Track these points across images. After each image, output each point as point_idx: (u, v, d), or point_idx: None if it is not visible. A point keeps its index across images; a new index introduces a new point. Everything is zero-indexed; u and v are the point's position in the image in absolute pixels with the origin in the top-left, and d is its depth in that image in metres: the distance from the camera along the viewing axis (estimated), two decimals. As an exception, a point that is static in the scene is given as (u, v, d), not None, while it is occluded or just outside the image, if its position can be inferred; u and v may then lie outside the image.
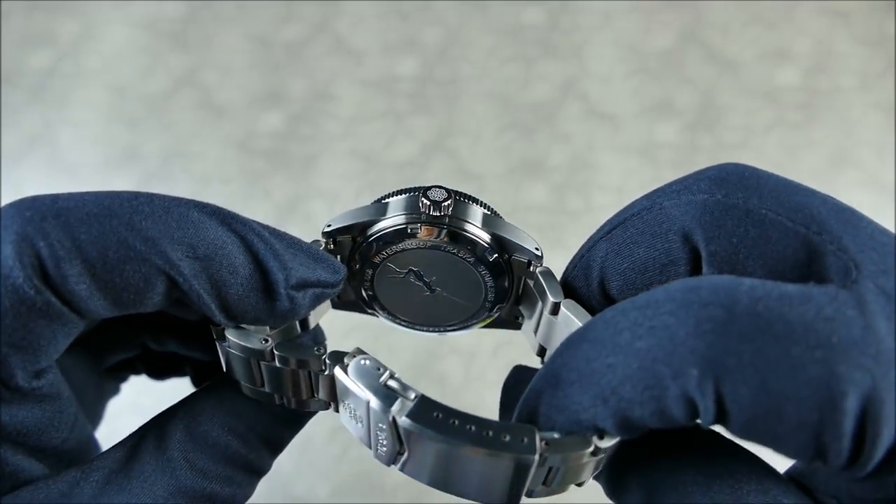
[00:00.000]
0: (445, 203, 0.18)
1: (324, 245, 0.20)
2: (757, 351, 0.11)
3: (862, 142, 0.83)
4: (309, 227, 0.77)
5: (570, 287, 0.18)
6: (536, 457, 0.14)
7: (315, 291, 0.17)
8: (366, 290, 0.20)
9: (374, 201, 0.20)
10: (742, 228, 0.14)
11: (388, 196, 0.20)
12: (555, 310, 0.18)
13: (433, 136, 0.83)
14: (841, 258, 0.13)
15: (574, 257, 0.18)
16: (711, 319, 0.12)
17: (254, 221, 0.16)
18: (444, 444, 0.14)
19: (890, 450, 0.12)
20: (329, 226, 0.20)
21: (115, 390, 0.21)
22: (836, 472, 0.13)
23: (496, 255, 0.19)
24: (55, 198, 0.13)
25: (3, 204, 0.13)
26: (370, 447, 0.16)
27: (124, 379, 0.21)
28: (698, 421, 0.13)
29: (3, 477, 0.14)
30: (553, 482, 0.15)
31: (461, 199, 0.19)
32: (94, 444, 0.18)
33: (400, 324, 0.22)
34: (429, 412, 0.14)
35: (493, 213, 0.20)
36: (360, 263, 0.20)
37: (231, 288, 0.15)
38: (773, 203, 0.14)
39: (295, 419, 0.19)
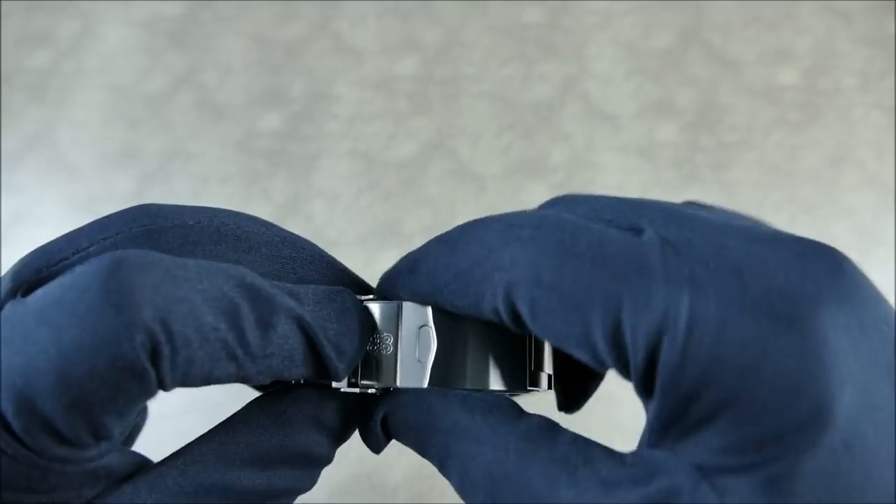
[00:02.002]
0: None
1: None
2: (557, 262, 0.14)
3: (862, 142, 0.83)
4: (309, 227, 0.77)
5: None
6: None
7: (354, 362, 0.18)
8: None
9: None
10: None
11: None
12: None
13: (433, 136, 0.83)
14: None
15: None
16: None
17: (309, 302, 0.17)
18: None
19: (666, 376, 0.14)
20: None
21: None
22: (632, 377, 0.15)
23: None
24: (164, 278, 0.14)
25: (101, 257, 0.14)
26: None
27: None
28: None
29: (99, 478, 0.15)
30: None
31: None
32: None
33: None
34: None
35: None
36: None
37: (291, 376, 0.16)
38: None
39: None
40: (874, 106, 0.84)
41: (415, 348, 0.18)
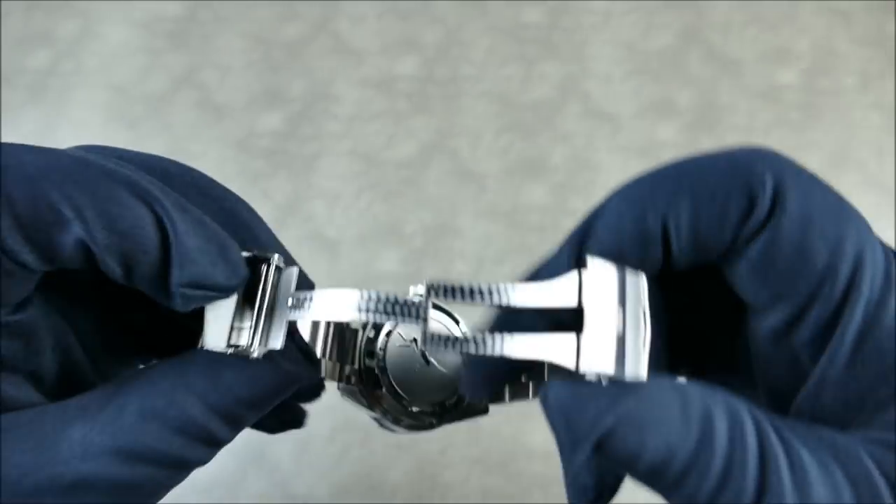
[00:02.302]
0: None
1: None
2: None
3: (862, 142, 0.83)
4: (309, 227, 0.77)
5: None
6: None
7: (206, 294, 0.17)
8: (378, 361, 0.22)
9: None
10: None
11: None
12: None
13: (433, 136, 0.83)
14: None
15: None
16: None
17: (178, 206, 0.17)
18: None
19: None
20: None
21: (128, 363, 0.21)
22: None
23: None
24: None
25: None
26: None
27: (135, 362, 0.21)
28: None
29: None
30: None
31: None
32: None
33: (396, 420, 0.23)
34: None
35: None
36: (377, 335, 0.22)
37: (141, 266, 0.16)
38: None
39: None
40: (874, 106, 0.84)
41: (632, 329, 0.15)
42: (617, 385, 0.14)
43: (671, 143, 0.83)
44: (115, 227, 0.15)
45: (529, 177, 0.81)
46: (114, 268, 0.15)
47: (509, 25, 0.91)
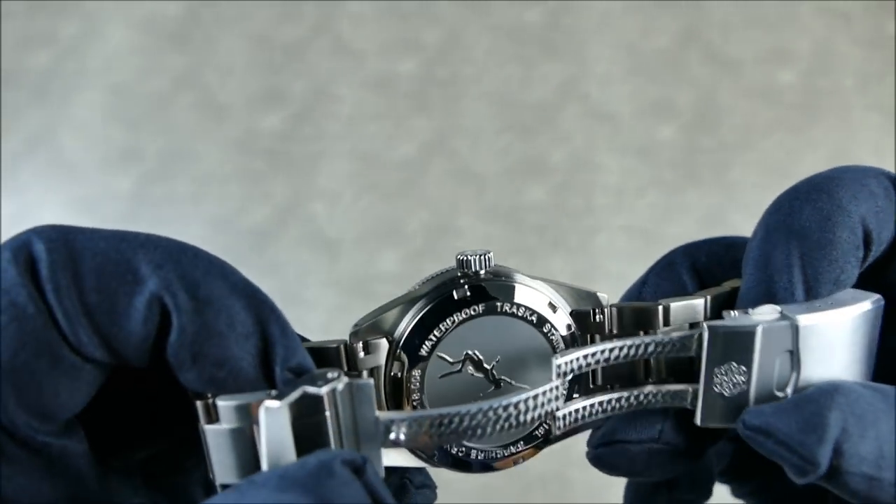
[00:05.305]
0: (488, 255, 0.16)
1: (351, 353, 0.15)
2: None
3: (861, 142, 0.83)
4: (309, 227, 0.77)
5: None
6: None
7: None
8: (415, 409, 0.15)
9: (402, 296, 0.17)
10: None
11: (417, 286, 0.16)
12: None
13: (433, 136, 0.83)
14: None
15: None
16: None
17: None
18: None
19: None
20: (356, 326, 0.15)
21: None
22: None
23: (558, 308, 0.15)
24: (70, 228, 0.13)
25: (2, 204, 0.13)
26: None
27: None
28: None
29: None
30: None
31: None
32: None
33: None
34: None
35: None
36: (405, 367, 0.15)
37: (224, 339, 0.13)
38: None
39: None
40: (873, 107, 0.84)
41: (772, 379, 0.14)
42: (801, 397, 0.14)
43: (670, 143, 0.83)
44: (197, 293, 0.12)
45: (529, 177, 0.81)
46: (190, 341, 0.13)
47: (509, 25, 0.91)
